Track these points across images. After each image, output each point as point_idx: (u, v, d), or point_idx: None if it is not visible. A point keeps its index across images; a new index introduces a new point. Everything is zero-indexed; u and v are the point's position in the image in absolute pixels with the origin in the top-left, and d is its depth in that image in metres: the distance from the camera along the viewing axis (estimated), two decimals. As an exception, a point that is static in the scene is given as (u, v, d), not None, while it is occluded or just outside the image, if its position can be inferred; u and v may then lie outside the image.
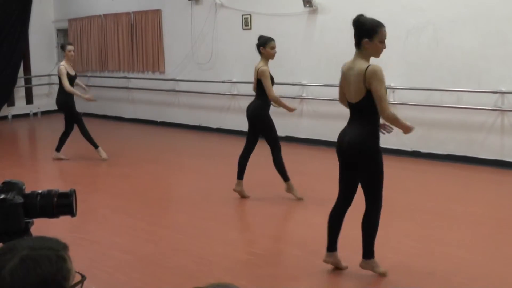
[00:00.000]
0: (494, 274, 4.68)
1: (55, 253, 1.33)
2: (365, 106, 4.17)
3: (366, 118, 4.20)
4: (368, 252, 4.44)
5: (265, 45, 6.56)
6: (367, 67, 4.07)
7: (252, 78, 6.94)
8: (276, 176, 6.72)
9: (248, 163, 6.82)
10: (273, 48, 6.60)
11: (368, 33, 4.13)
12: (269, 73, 6.55)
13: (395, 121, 4.22)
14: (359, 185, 4.39)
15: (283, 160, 6.75)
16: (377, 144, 4.25)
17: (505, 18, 7.69)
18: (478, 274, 4.67)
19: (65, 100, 8.86)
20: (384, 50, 4.38)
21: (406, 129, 4.31)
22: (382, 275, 4.44)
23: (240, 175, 6.85)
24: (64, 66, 8.80)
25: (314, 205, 6.55)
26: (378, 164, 4.28)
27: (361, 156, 4.24)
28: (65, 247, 1.39)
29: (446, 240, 5.46)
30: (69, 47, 8.99)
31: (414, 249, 5.26)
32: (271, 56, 6.62)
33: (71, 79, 8.90)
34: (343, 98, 4.51)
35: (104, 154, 9.05)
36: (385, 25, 4.25)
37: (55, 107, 13.95)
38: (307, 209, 6.61)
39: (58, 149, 8.96)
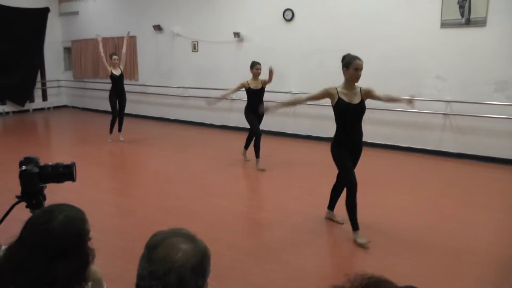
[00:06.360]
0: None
1: (82, 216, 1.50)
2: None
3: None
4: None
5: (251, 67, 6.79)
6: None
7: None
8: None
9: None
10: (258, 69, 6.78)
11: (345, 64, 4.17)
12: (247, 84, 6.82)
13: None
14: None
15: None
16: (334, 143, 4.36)
17: (365, 48, 7.56)
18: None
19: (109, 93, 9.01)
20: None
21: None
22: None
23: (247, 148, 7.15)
24: (110, 69, 8.83)
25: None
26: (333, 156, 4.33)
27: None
28: (83, 213, 1.52)
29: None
30: (114, 57, 8.94)
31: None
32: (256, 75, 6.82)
33: (114, 77, 8.83)
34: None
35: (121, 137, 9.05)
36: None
37: (64, 103, 14.58)
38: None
39: None
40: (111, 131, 9.11)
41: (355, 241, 4.23)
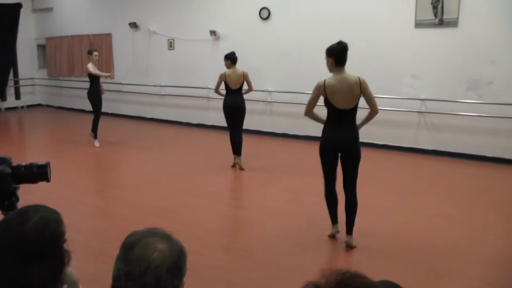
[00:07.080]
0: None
1: (58, 217, 1.46)
2: (356, 111, 3.99)
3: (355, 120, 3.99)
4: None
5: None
6: (359, 77, 3.98)
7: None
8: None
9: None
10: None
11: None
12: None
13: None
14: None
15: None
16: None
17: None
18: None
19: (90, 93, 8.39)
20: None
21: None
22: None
23: (234, 151, 6.75)
24: (90, 65, 8.25)
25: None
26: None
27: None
28: (59, 214, 1.47)
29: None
30: (95, 53, 8.45)
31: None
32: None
33: (96, 76, 8.30)
34: (312, 108, 4.15)
35: (97, 143, 8.48)
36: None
37: (38, 102, 14.09)
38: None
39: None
40: (96, 135, 8.53)
41: (344, 241, 4.10)
